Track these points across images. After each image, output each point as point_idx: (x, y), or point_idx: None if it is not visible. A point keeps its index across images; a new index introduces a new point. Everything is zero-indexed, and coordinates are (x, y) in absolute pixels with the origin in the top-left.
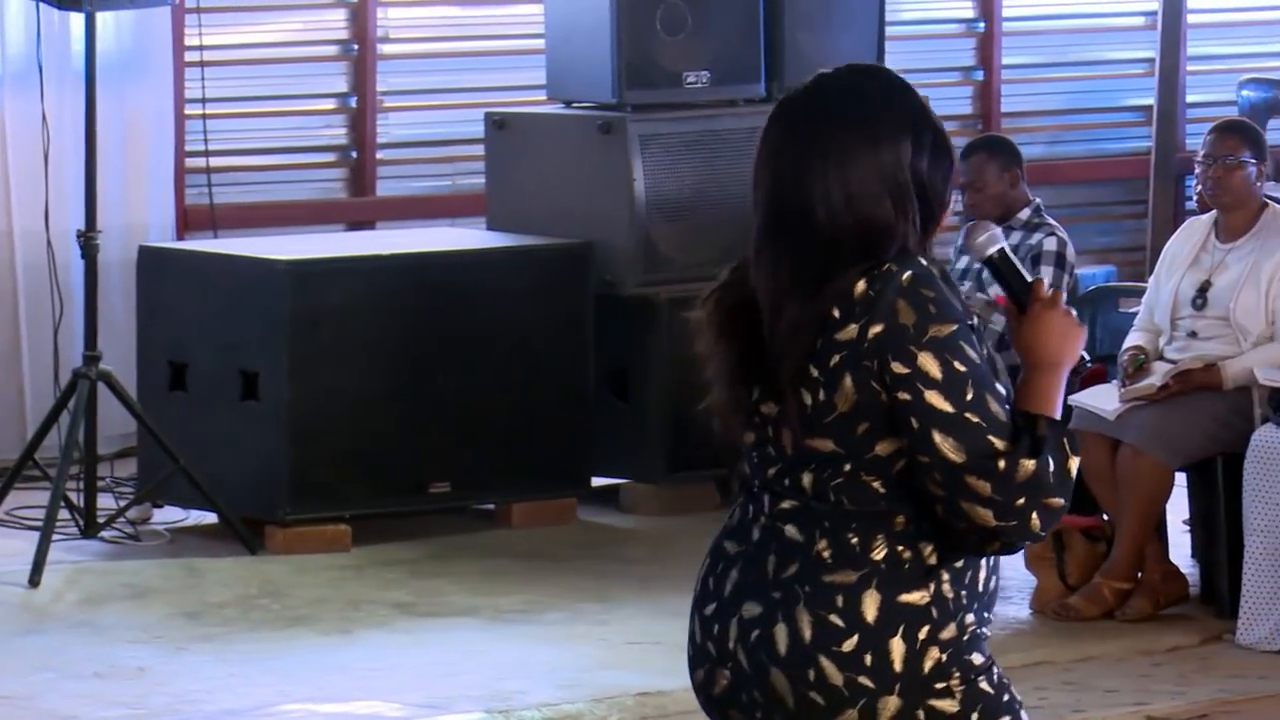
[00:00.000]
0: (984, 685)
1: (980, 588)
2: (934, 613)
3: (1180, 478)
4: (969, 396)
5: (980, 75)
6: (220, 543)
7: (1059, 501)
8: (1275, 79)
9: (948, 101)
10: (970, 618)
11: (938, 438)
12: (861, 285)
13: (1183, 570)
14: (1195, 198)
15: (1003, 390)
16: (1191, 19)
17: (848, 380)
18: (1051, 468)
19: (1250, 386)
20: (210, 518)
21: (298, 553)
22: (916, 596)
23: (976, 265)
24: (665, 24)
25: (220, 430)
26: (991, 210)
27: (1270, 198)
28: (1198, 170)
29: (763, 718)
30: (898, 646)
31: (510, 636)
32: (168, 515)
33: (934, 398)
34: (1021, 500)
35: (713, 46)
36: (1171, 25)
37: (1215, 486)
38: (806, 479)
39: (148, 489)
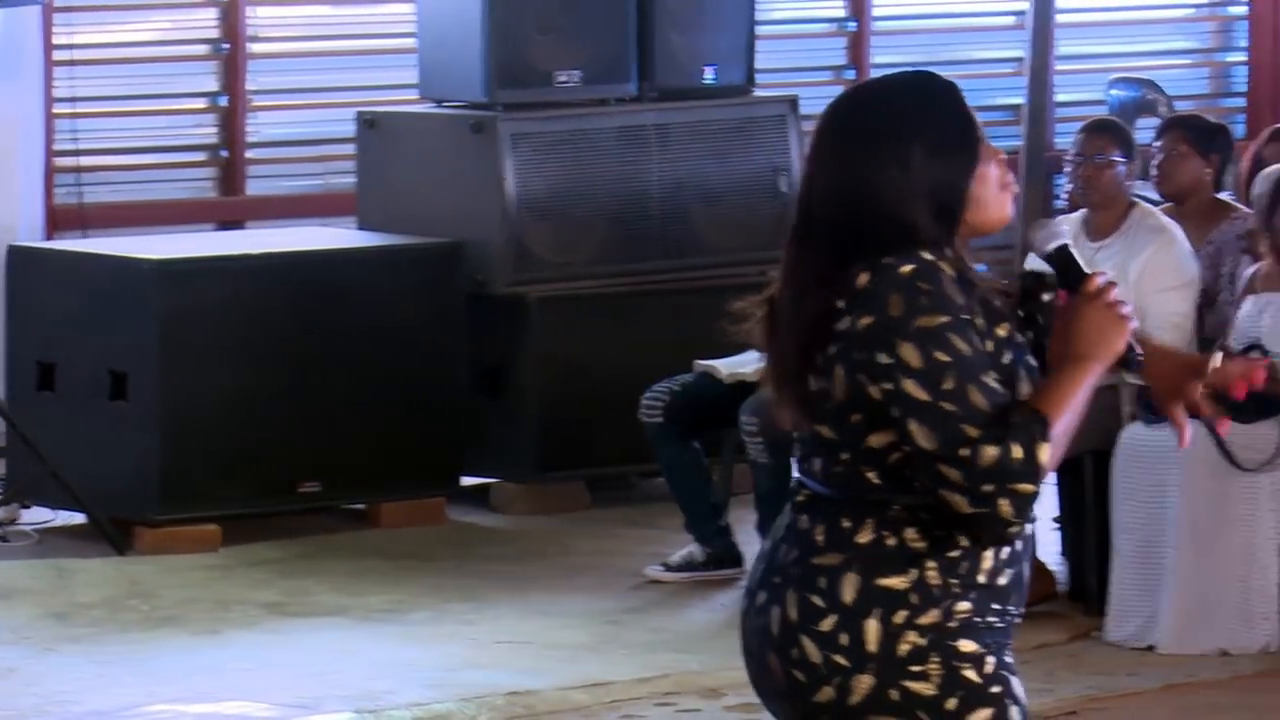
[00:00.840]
0: (969, 673)
1: (983, 579)
2: (913, 598)
3: (1049, 475)
4: (946, 386)
5: (852, 74)
6: (88, 543)
7: (1028, 488)
8: (1144, 78)
9: (819, 101)
10: (964, 606)
11: (913, 426)
12: (864, 278)
13: (1051, 568)
14: (1065, 196)
15: (997, 386)
16: (1061, 18)
17: (839, 370)
18: (1017, 454)
19: (1118, 385)
20: (79, 518)
21: (166, 553)
22: (896, 581)
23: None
24: (537, 23)
25: (89, 431)
26: None
27: (1139, 197)
28: (1067, 169)
29: (774, 703)
30: (873, 628)
31: (379, 636)
32: (35, 516)
33: (911, 386)
34: (989, 487)
35: (584, 46)
36: (1041, 24)
37: (1083, 484)
38: (818, 464)
39: (15, 490)
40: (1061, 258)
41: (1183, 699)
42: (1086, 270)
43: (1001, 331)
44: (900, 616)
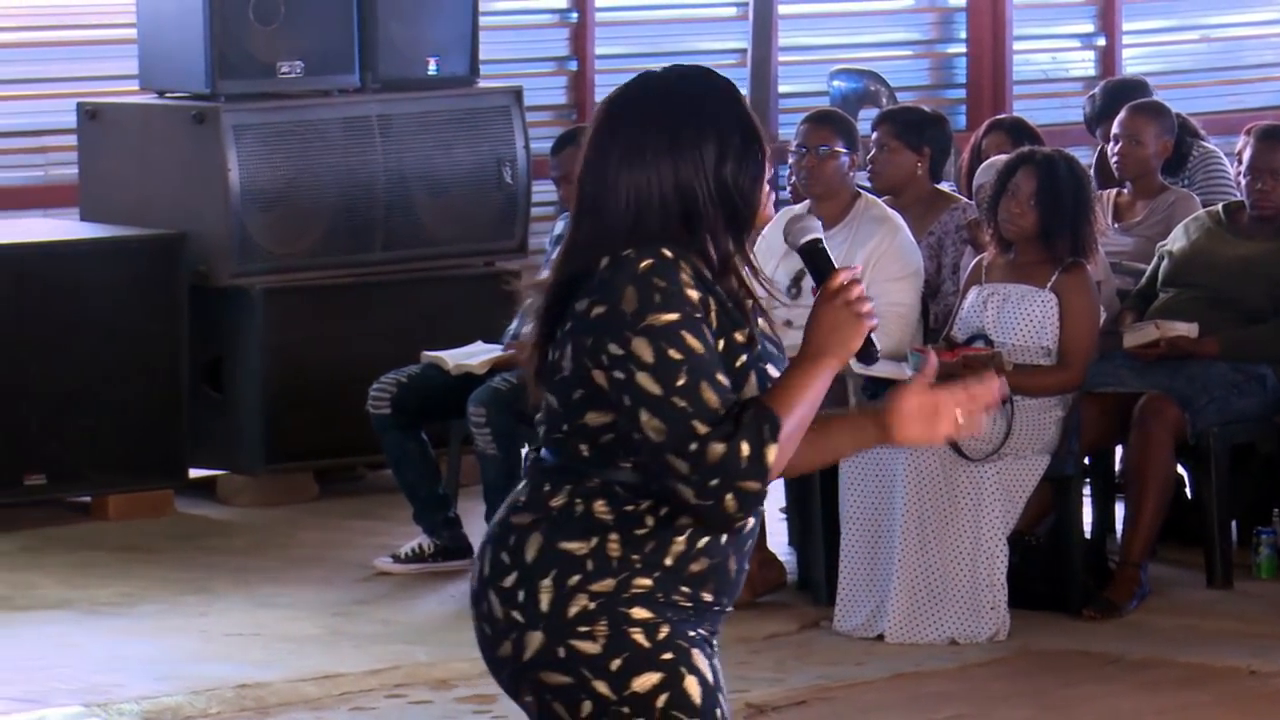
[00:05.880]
0: (638, 636)
1: (670, 561)
2: (589, 565)
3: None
4: (680, 382)
5: (574, 65)
6: None
7: (754, 485)
8: (866, 70)
9: (542, 92)
10: (644, 581)
11: (644, 417)
12: (604, 265)
13: (780, 558)
14: (789, 188)
15: (728, 384)
16: (783, 10)
17: (569, 348)
18: (746, 452)
19: (844, 375)
20: None
21: None
22: (575, 546)
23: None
24: (258, 14)
25: None
26: None
27: (862, 187)
28: (791, 160)
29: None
30: (546, 588)
31: (106, 629)
32: None
33: (644, 379)
34: (715, 482)
35: (306, 37)
36: (763, 16)
37: (810, 474)
38: (543, 430)
39: None
40: (811, 252)
41: (912, 688)
42: (835, 265)
43: (740, 336)
44: (574, 580)
